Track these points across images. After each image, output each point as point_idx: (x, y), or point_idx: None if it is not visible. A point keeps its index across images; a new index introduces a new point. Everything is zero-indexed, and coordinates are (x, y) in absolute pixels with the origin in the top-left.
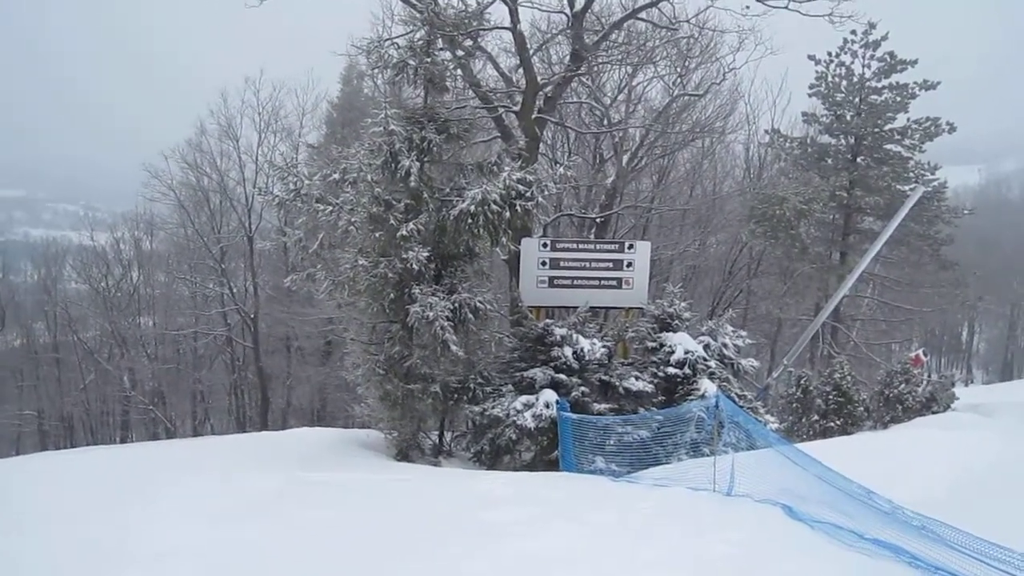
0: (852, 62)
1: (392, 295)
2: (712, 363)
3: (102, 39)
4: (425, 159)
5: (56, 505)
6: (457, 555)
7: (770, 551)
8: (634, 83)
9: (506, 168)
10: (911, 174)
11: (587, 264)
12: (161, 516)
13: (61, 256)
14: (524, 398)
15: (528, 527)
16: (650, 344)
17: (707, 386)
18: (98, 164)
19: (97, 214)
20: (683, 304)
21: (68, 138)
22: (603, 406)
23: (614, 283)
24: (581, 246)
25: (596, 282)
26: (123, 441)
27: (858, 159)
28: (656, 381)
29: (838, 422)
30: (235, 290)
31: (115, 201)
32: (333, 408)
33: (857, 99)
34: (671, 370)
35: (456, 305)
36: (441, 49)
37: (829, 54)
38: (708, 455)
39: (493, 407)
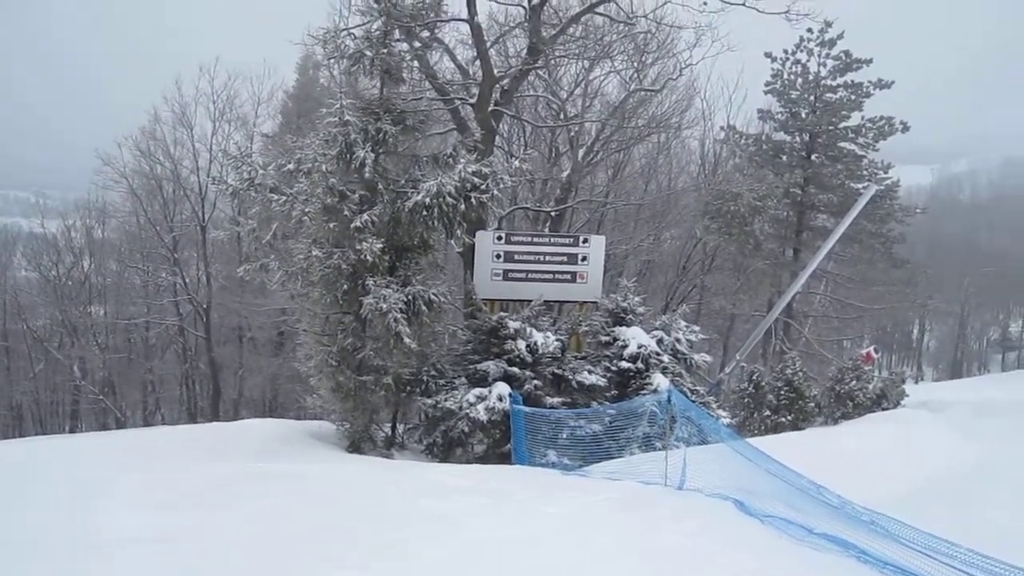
0: (808, 60)
1: (346, 286)
2: (665, 358)
3: (57, 22)
4: (380, 150)
5: (9, 495)
6: (412, 544)
7: (721, 544)
8: (591, 77)
9: (462, 160)
10: (864, 172)
11: (541, 257)
12: (114, 506)
13: (11, 243)
14: (477, 391)
15: (482, 517)
16: (603, 338)
17: (660, 380)
18: (49, 151)
19: (48, 202)
20: (637, 299)
21: (17, 124)
22: (556, 400)
23: (568, 277)
24: (536, 239)
25: (550, 276)
26: (72, 431)
27: (812, 156)
28: (609, 375)
29: (789, 417)
30: (187, 280)
31: (67, 189)
32: (285, 399)
33: (812, 97)
34: (624, 364)
35: (410, 297)
36: (398, 40)
37: (785, 52)
38: (660, 449)
39: (446, 399)
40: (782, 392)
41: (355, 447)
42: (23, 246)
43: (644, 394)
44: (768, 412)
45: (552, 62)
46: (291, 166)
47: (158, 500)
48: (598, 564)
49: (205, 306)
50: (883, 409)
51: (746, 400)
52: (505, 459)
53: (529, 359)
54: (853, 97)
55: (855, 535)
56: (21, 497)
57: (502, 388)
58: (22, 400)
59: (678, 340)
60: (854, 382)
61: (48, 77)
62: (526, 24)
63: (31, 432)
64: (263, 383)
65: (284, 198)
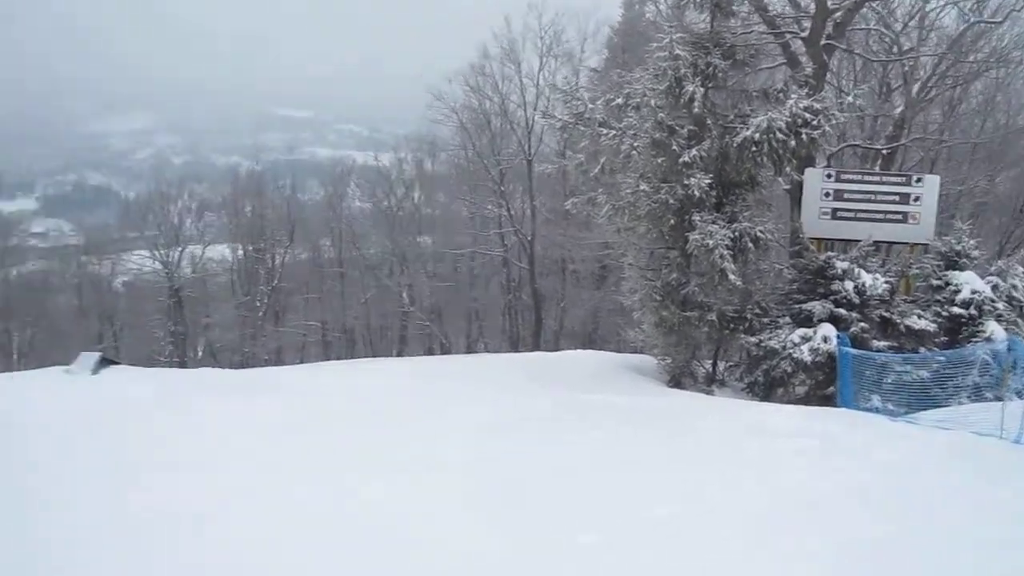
0: None
1: (672, 221)
2: (1000, 305)
3: None
4: (709, 85)
5: (342, 410)
6: (733, 480)
7: None
8: (927, 9)
9: (792, 96)
10: None
11: (872, 196)
12: (437, 427)
13: (346, 175)
14: (802, 331)
15: (808, 459)
16: (935, 282)
17: (994, 328)
18: (382, 87)
19: (380, 136)
20: (971, 242)
21: (354, 61)
22: (882, 343)
23: (899, 217)
24: (866, 178)
25: (880, 215)
26: (400, 355)
27: None
28: (939, 320)
29: None
30: (513, 212)
31: (398, 124)
32: (605, 332)
33: None
34: (955, 310)
35: (736, 234)
36: None
37: None
38: (991, 400)
39: (769, 339)
40: None
41: (675, 382)
42: (356, 177)
43: (976, 342)
44: None
45: None
46: (619, 101)
47: (478, 425)
48: (928, 516)
49: (529, 238)
50: None
51: None
52: (826, 402)
53: (856, 301)
54: None
55: None
56: (359, 414)
57: (828, 329)
58: (354, 324)
59: (1014, 287)
60: None
61: (381, 15)
62: None
63: (361, 354)
64: (584, 315)
65: (613, 132)
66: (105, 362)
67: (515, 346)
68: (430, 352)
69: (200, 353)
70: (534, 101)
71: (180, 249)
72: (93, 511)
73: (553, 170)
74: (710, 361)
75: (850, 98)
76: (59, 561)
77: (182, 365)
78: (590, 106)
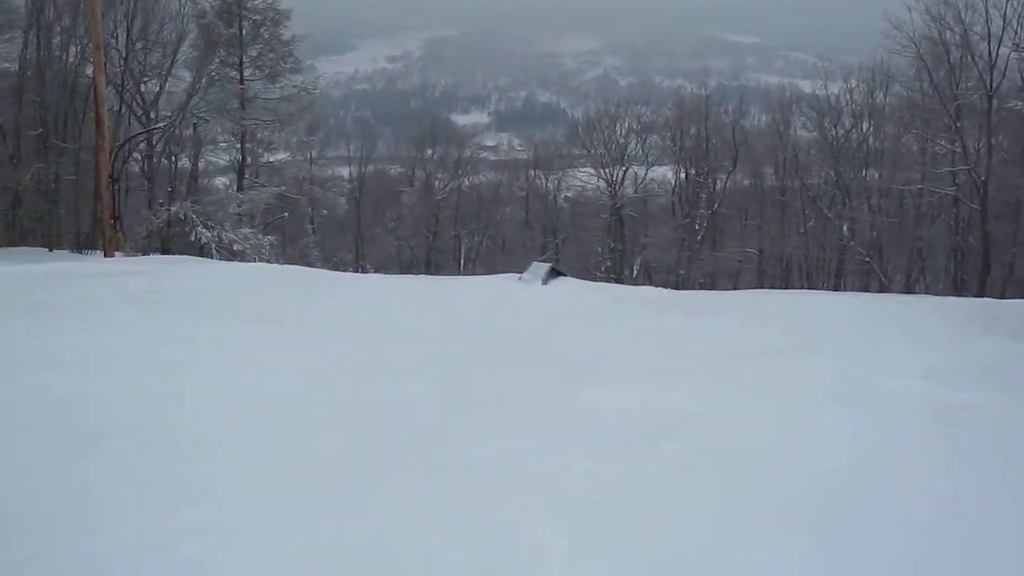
0: None
1: None
2: None
3: None
4: None
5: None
6: None
7: None
8: None
9: None
10: None
11: None
12: (880, 366)
13: (792, 103)
14: None
15: None
16: None
17: None
18: (831, 14)
19: (827, 64)
20: None
21: None
22: None
23: None
24: None
25: None
26: (835, 288)
27: None
28: None
29: None
30: (967, 150)
31: (847, 52)
32: None
33: None
34: None
35: None
36: None
37: None
38: None
39: None
40: None
41: None
42: (803, 106)
43: None
44: None
45: None
46: None
47: (920, 371)
48: None
49: (983, 178)
50: None
51: None
52: None
53: None
54: None
55: None
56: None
57: None
58: (792, 254)
59: None
60: None
61: None
62: None
63: (796, 285)
64: None
65: None
66: (554, 273)
67: (959, 290)
68: (866, 288)
69: (636, 271)
70: (999, 33)
71: (624, 168)
72: None
73: (1016, 107)
74: None
75: None
76: None
77: (618, 281)
78: None
